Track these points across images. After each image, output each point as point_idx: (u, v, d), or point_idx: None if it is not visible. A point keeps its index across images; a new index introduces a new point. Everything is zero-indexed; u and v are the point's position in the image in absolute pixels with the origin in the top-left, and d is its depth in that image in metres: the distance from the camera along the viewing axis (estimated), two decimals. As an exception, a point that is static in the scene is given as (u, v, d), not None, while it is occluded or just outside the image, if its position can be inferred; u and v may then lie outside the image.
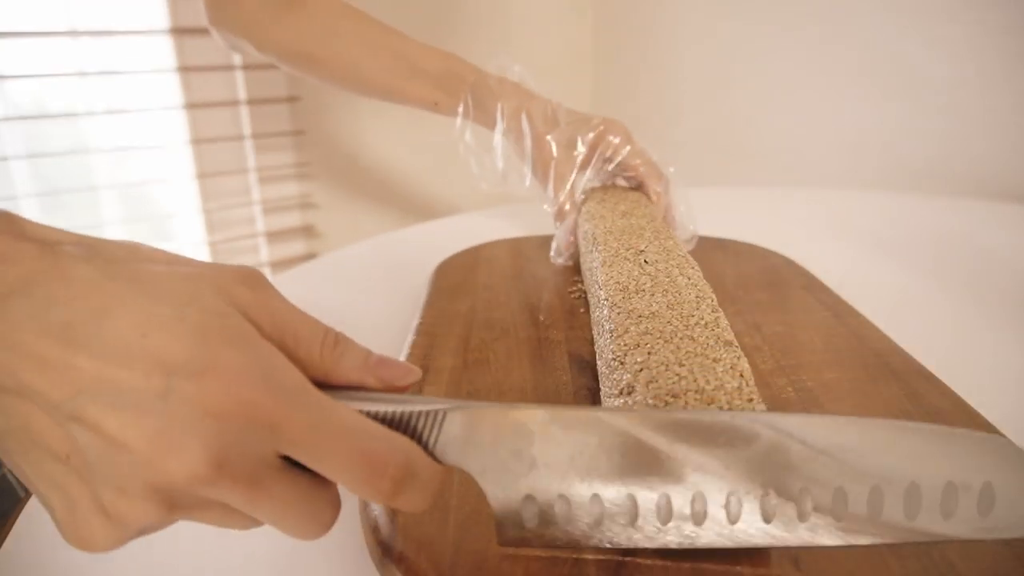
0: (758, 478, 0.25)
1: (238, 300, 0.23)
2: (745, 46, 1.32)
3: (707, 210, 0.64)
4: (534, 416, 0.25)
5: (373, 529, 0.30)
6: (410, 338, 0.46)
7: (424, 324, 0.48)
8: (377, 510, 0.31)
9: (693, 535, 0.25)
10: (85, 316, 0.20)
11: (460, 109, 0.64)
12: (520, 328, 0.47)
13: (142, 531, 0.22)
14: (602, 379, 0.36)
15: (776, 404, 0.39)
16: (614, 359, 0.34)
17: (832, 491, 0.25)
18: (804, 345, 0.45)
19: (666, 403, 0.30)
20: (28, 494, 0.37)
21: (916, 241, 0.73)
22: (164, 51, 1.27)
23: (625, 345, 0.35)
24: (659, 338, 0.34)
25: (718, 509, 0.25)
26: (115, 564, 0.32)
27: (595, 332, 0.41)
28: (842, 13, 1.14)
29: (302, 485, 0.23)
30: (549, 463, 0.25)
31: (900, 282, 0.62)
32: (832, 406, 0.38)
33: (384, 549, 0.29)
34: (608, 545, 0.26)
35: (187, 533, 0.34)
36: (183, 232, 1.40)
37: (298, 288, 0.62)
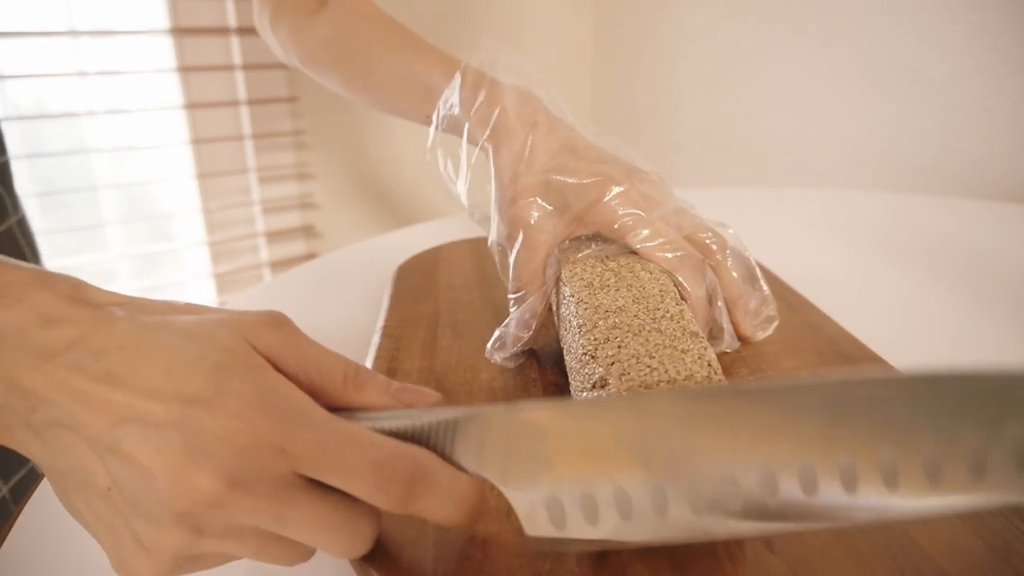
0: (808, 448, 0.22)
1: (262, 340, 0.25)
2: (745, 46, 1.32)
3: (706, 210, 0.64)
4: (543, 414, 0.24)
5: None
6: (375, 340, 0.46)
7: (389, 327, 0.48)
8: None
9: (730, 524, 0.23)
10: (123, 361, 0.23)
11: (435, 118, 0.48)
12: (484, 328, 0.47)
13: (178, 560, 0.24)
14: (572, 374, 0.36)
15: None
16: (585, 354, 0.34)
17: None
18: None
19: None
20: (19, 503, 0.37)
21: (915, 241, 0.73)
22: (164, 51, 1.28)
23: (595, 340, 0.35)
24: (628, 332, 0.35)
25: (752, 491, 0.23)
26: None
27: (561, 329, 0.41)
28: (842, 13, 1.14)
29: (331, 500, 0.24)
30: (567, 461, 0.24)
31: (899, 282, 0.62)
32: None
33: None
34: (640, 540, 0.24)
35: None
36: (183, 232, 1.41)
37: (298, 288, 0.62)
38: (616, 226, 0.41)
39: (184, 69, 1.30)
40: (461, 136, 0.46)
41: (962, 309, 0.56)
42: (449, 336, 0.46)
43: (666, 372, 0.31)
